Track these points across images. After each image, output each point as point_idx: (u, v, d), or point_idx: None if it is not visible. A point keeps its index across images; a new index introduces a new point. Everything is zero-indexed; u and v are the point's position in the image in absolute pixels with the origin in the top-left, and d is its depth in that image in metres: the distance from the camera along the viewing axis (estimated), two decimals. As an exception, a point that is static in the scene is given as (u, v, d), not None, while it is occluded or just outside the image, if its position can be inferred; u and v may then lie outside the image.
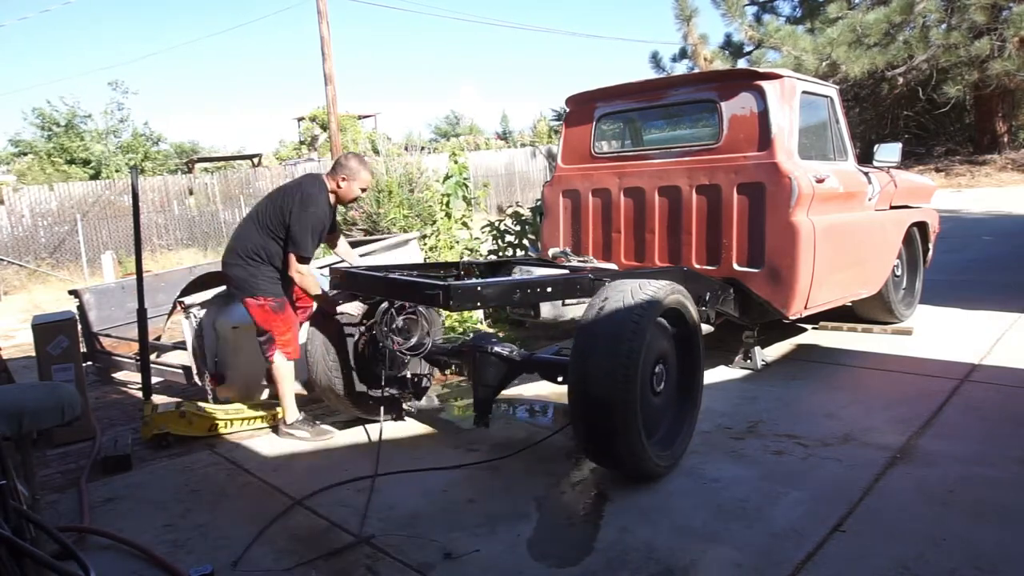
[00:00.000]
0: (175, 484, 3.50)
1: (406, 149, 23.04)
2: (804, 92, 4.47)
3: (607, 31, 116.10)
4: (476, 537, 2.78)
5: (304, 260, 3.81)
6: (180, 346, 5.10)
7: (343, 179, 3.90)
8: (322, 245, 4.22)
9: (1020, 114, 19.49)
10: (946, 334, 5.19)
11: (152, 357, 4.84)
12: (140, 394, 4.57)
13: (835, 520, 2.71)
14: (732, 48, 18.62)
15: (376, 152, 19.09)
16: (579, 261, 4.55)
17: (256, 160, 24.45)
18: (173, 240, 15.99)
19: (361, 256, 4.70)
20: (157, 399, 4.43)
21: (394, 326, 3.72)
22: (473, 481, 3.32)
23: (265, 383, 4.54)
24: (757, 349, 4.70)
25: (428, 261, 6.20)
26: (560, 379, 3.48)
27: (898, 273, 5.56)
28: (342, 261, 4.39)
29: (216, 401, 4.44)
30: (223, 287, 4.39)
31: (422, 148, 26.39)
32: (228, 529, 2.99)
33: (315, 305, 3.99)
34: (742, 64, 17.58)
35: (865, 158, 5.27)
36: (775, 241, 4.19)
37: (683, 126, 5.38)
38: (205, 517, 3.12)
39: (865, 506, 2.82)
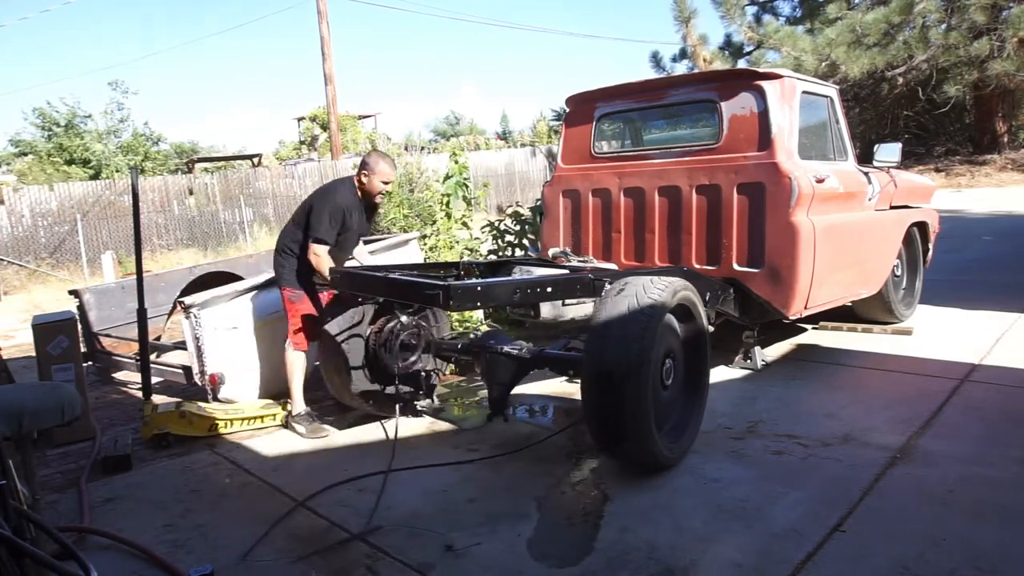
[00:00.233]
0: (175, 484, 3.50)
1: (406, 149, 23.07)
2: (804, 92, 4.47)
3: (607, 31, 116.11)
4: (477, 537, 2.78)
5: (317, 242, 3.96)
6: (180, 346, 5.11)
7: (364, 175, 4.13)
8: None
9: (1020, 114, 19.48)
10: (946, 334, 5.19)
11: (152, 357, 4.84)
12: (140, 394, 4.57)
13: (835, 520, 2.71)
14: (732, 49, 18.61)
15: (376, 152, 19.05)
16: (579, 261, 4.55)
17: (256, 160, 24.45)
18: (173, 240, 15.97)
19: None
20: (157, 399, 4.44)
21: (398, 341, 3.79)
22: (473, 481, 3.32)
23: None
24: (757, 349, 4.70)
25: (428, 261, 6.20)
26: (571, 373, 3.52)
27: (898, 273, 5.56)
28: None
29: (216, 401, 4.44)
30: (223, 287, 4.42)
31: (422, 148, 26.41)
32: (228, 529, 3.00)
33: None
34: (742, 64, 17.57)
35: (865, 158, 5.27)
36: (775, 241, 4.19)
37: (683, 126, 5.39)
38: (205, 517, 3.12)
39: (865, 506, 2.82)
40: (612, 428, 3.08)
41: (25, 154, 23.97)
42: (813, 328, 5.57)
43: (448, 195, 6.96)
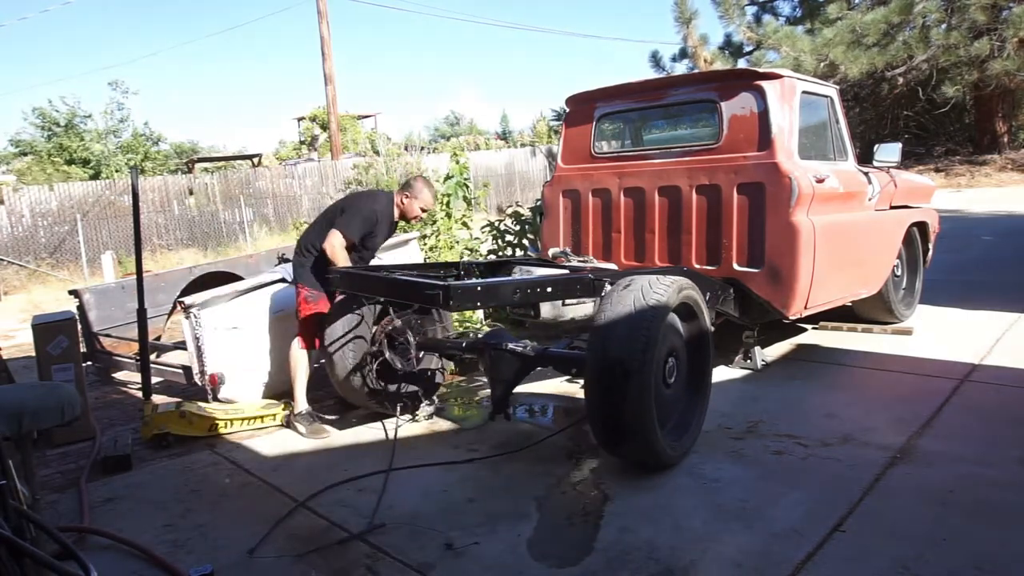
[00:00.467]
0: (175, 484, 3.50)
1: (406, 149, 23.06)
2: (804, 92, 4.47)
3: (607, 31, 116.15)
4: (476, 537, 2.78)
5: (341, 234, 4.00)
6: (180, 346, 5.11)
7: (406, 196, 4.23)
8: None
9: (1020, 114, 19.49)
10: (946, 334, 5.19)
11: (152, 357, 4.84)
12: (140, 394, 4.58)
13: (835, 520, 2.71)
14: (732, 49, 18.62)
15: (376, 152, 19.10)
16: (579, 261, 4.55)
17: (256, 160, 24.45)
18: (173, 240, 15.98)
19: None
20: (157, 399, 4.44)
21: (404, 340, 3.80)
22: (473, 481, 3.32)
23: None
24: (757, 349, 4.70)
25: (428, 261, 6.20)
26: (574, 371, 3.57)
27: (898, 273, 5.56)
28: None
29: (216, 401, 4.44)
30: (223, 287, 4.41)
31: (422, 148, 26.40)
32: (228, 529, 2.99)
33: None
34: (742, 64, 17.58)
35: (865, 158, 5.27)
36: (775, 241, 4.19)
37: (683, 126, 5.39)
38: (205, 517, 3.12)
39: (865, 506, 2.82)
40: (614, 423, 3.08)
41: (25, 154, 23.98)
42: (813, 328, 5.57)
43: (448, 195, 6.96)
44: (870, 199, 4.98)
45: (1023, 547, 2.48)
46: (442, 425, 4.12)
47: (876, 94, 17.64)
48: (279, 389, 4.54)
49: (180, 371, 4.73)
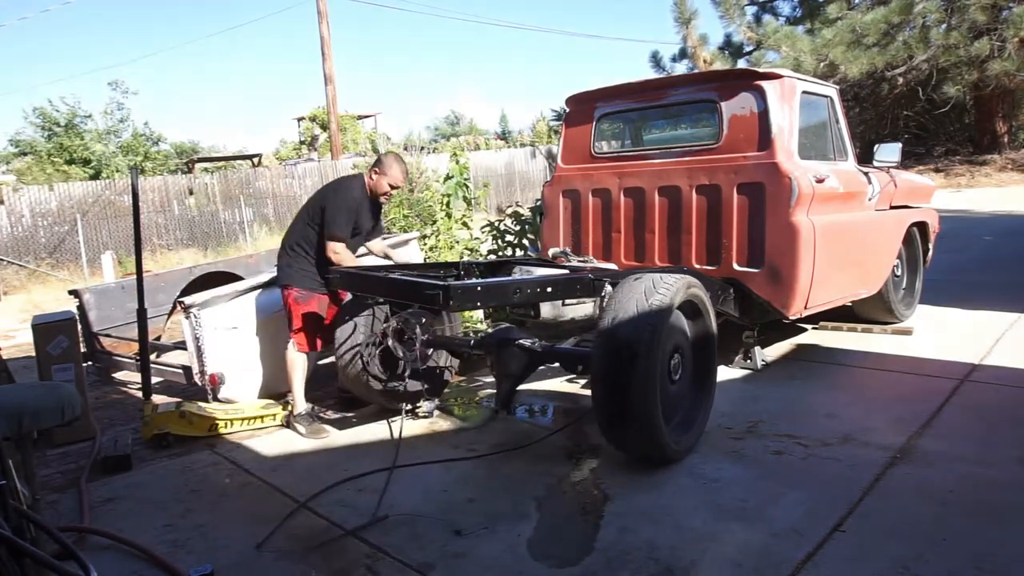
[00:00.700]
0: (175, 484, 3.50)
1: (406, 149, 23.03)
2: (804, 92, 4.47)
3: (607, 31, 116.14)
4: (477, 537, 2.78)
5: (336, 239, 4.02)
6: (180, 346, 5.10)
7: (376, 172, 4.18)
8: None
9: (1020, 114, 19.47)
10: (946, 334, 5.19)
11: (152, 357, 4.84)
12: (140, 394, 4.58)
13: (835, 520, 2.71)
14: (732, 49, 18.62)
15: (376, 152, 19.09)
16: (579, 261, 4.55)
17: (256, 160, 24.46)
18: (173, 240, 15.97)
19: (360, 256, 4.71)
20: (157, 399, 4.44)
21: (407, 338, 3.80)
22: (473, 481, 3.32)
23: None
24: (757, 349, 4.70)
25: (428, 261, 6.20)
26: (580, 368, 3.63)
27: (898, 273, 5.56)
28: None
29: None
30: (223, 287, 4.41)
31: (422, 148, 26.37)
32: (228, 529, 2.99)
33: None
34: (742, 64, 17.58)
35: (865, 158, 5.27)
36: (775, 241, 4.19)
37: (683, 126, 5.39)
38: (205, 517, 3.12)
39: (865, 506, 2.82)
40: (619, 408, 3.10)
41: (25, 154, 23.95)
42: (813, 328, 5.57)
43: (448, 195, 6.96)
44: (870, 199, 4.98)
45: (1023, 547, 2.48)
46: (442, 425, 4.11)
47: (876, 94, 17.64)
48: (279, 389, 4.54)
49: (180, 371, 4.72)
